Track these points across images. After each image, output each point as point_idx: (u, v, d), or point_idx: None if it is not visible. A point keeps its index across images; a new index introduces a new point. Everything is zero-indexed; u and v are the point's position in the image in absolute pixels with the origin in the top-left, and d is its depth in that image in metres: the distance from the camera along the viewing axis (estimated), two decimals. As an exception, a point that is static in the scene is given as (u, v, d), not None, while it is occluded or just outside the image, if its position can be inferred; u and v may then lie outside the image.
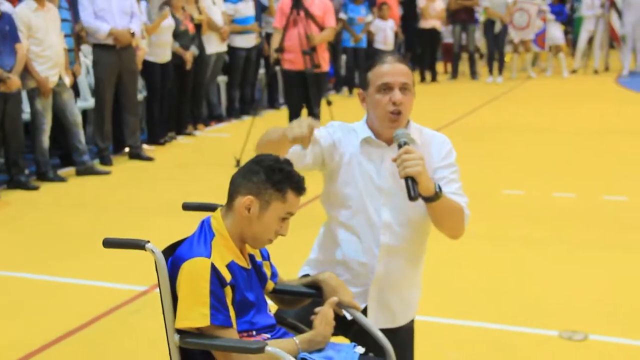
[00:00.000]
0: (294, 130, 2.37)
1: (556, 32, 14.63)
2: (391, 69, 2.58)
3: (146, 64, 8.25)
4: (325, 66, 7.61)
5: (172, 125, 8.84)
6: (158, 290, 2.28)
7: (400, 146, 2.43)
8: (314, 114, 7.53)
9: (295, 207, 2.31)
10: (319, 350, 2.29)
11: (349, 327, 2.53)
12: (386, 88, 2.55)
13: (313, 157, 2.61)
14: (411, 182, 2.38)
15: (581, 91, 13.02)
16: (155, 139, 8.59)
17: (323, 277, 2.48)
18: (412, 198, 2.39)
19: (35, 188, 6.69)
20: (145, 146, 8.25)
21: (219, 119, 10.15)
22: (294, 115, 7.64)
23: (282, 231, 2.30)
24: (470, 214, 2.61)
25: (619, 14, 14.41)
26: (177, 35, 8.48)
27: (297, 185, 2.28)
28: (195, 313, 2.19)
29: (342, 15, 12.20)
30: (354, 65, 12.60)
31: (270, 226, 2.28)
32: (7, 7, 6.85)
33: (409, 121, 2.62)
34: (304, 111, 7.67)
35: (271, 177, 2.26)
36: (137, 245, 2.25)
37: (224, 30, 9.48)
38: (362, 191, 2.61)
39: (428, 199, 2.46)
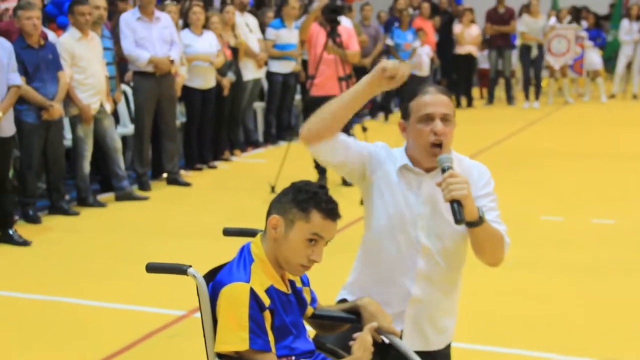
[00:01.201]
0: (388, 64, 2.46)
1: (594, 58, 14.51)
2: (433, 100, 2.60)
3: (187, 90, 8.37)
4: None
5: (209, 151, 8.93)
6: (196, 315, 2.32)
7: (444, 170, 2.46)
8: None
9: (323, 229, 2.30)
10: (358, 376, 2.29)
11: (387, 352, 2.53)
12: (428, 119, 2.58)
13: (356, 156, 2.66)
14: (457, 206, 2.41)
15: (620, 116, 12.88)
16: (193, 165, 8.69)
17: (362, 302, 2.49)
18: (458, 221, 2.42)
19: (76, 214, 6.80)
20: (182, 172, 8.34)
21: (255, 144, 10.23)
22: None
23: (313, 256, 2.30)
24: (510, 241, 2.62)
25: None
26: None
27: (324, 206, 2.29)
28: (235, 337, 2.21)
29: (389, 41, 12.17)
30: (398, 90, 12.48)
31: (298, 248, 2.29)
32: (51, 37, 7.02)
33: (450, 150, 2.64)
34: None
35: (297, 196, 2.30)
36: (179, 270, 2.29)
37: (261, 57, 9.59)
38: (401, 216, 2.63)
39: (472, 224, 2.48)
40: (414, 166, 2.64)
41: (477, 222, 2.47)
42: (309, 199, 2.29)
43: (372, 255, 2.71)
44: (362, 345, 2.30)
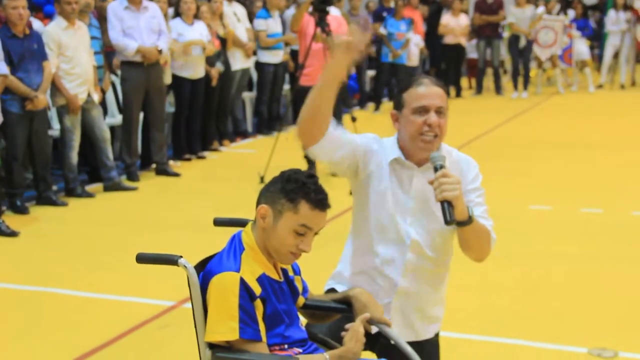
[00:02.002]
0: (336, 43, 2.41)
1: (582, 48, 14.55)
2: (428, 92, 2.59)
3: (177, 79, 8.35)
4: (346, 79, 7.70)
5: (197, 141, 8.90)
6: (186, 305, 2.31)
7: (436, 169, 2.45)
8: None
9: (312, 220, 2.27)
10: (349, 367, 2.29)
11: (375, 341, 2.54)
12: (422, 110, 2.56)
13: (351, 150, 2.62)
14: (447, 206, 2.40)
15: (608, 106, 12.94)
16: (181, 155, 8.67)
17: (354, 292, 2.49)
18: (448, 222, 2.41)
19: (64, 204, 6.77)
20: (171, 162, 8.31)
21: (244, 134, 10.21)
22: None
23: (302, 246, 2.29)
24: (497, 238, 2.63)
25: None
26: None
27: (313, 197, 2.26)
28: (225, 327, 2.20)
29: (382, 30, 12.11)
30: (389, 80, 12.46)
31: (286, 238, 2.27)
32: (37, 26, 6.96)
33: (440, 143, 2.63)
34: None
35: (285, 186, 2.27)
36: (170, 260, 2.28)
37: (249, 46, 9.56)
38: (391, 210, 2.63)
39: (461, 223, 2.48)
40: (406, 159, 2.63)
41: (466, 222, 2.47)
42: (297, 189, 2.26)
43: (360, 246, 2.72)
44: (354, 337, 2.30)
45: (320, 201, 2.27)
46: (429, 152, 2.54)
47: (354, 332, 2.31)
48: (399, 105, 2.64)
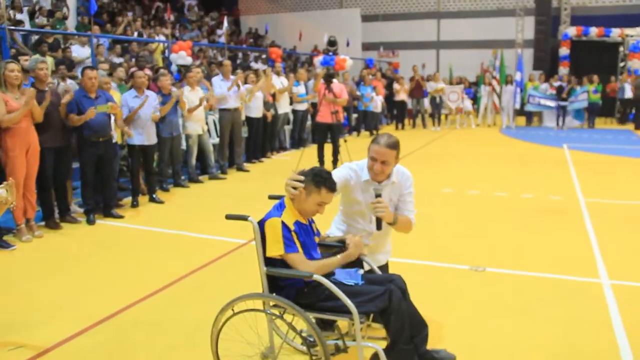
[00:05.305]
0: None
1: (468, 104, 14.45)
2: (378, 149, 2.51)
3: (248, 118, 8.30)
4: (342, 119, 7.66)
5: (259, 152, 8.86)
6: (252, 242, 2.28)
7: (376, 196, 2.45)
8: (337, 146, 7.53)
9: (327, 198, 2.27)
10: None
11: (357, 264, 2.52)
12: (373, 159, 2.52)
13: (342, 186, 2.58)
14: (378, 220, 2.44)
15: (481, 136, 12.79)
16: (250, 159, 8.62)
17: (347, 236, 2.49)
18: (378, 229, 2.47)
19: (187, 187, 6.76)
20: (245, 164, 8.27)
21: (284, 149, 10.15)
22: (320, 147, 7.66)
23: (320, 211, 2.30)
24: (416, 221, 2.62)
25: (498, 95, 14.30)
26: (263, 103, 8.51)
27: (329, 186, 2.27)
28: (276, 247, 2.19)
29: (358, 93, 12.09)
30: (364, 120, 12.38)
31: (311, 206, 2.27)
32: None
33: (388, 175, 2.58)
34: (328, 145, 7.65)
35: (314, 179, 2.27)
36: (244, 218, 2.27)
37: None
38: (363, 202, 2.61)
39: (390, 224, 2.50)
40: (372, 180, 2.59)
41: (392, 223, 2.50)
42: (321, 181, 2.26)
43: (345, 220, 2.71)
44: (357, 245, 2.35)
45: (332, 188, 2.28)
46: (377, 179, 2.53)
47: (356, 243, 2.36)
48: (368, 150, 2.58)
